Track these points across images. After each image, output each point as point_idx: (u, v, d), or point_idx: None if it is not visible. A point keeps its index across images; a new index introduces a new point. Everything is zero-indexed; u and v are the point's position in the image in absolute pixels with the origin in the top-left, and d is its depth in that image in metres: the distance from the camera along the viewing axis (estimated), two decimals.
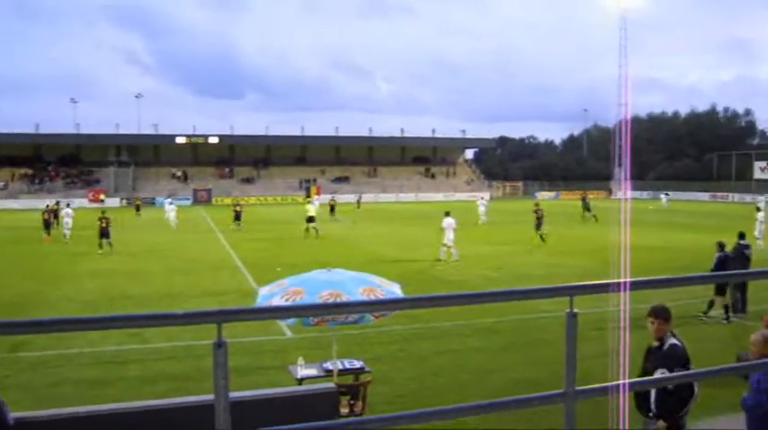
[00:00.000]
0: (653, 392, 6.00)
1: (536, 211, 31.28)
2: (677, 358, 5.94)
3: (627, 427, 4.94)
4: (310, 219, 35.51)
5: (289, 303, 7.82)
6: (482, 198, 50.71)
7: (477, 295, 3.04)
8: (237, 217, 41.56)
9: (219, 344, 2.42)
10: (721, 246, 15.13)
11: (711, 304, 14.94)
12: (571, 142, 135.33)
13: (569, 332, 2.81)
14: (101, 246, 28.78)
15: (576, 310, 2.79)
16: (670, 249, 27.57)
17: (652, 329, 6.06)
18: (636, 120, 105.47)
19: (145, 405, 5.44)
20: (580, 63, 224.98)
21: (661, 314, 6.09)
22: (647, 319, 6.06)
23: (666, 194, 70.90)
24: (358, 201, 67.08)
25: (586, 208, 45.25)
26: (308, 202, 42.01)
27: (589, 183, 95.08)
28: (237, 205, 44.02)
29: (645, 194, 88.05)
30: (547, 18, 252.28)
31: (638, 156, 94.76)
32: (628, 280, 3.08)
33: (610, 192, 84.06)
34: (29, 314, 15.37)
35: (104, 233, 28.86)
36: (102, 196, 74.10)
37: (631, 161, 74.14)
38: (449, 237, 25.08)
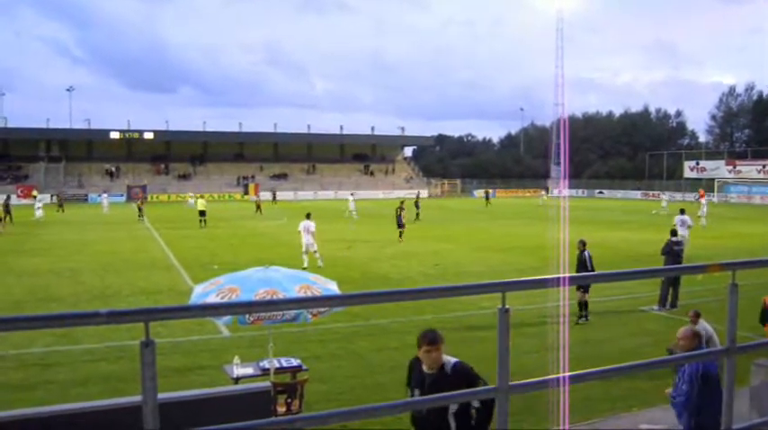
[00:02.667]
0: (453, 419, 4.91)
1: (397, 209, 32.82)
2: (473, 373, 5.05)
3: (567, 422, 4.98)
4: (202, 213, 40.48)
5: (222, 301, 7.69)
6: (351, 194, 55.47)
7: (412, 292, 3.03)
8: (140, 211, 46.05)
9: (147, 344, 2.34)
10: (583, 244, 15.10)
11: (581, 304, 14.68)
12: (508, 140, 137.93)
13: (501, 328, 2.82)
14: None
15: (507, 307, 2.80)
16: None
17: (433, 358, 5.09)
18: (571, 120, 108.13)
19: (73, 407, 5.28)
20: (517, 62, 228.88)
21: (440, 339, 5.15)
22: (424, 348, 5.12)
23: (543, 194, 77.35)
24: (273, 198, 66.23)
25: (416, 206, 46.06)
26: (199, 197, 46.28)
27: (526, 181, 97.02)
28: (140, 200, 50.03)
29: (581, 192, 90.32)
30: (484, 17, 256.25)
31: (574, 155, 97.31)
32: (566, 275, 3.11)
33: (547, 190, 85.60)
34: None
35: None
36: (34, 192, 71.53)
37: (568, 160, 75.84)
38: (306, 241, 22.83)
